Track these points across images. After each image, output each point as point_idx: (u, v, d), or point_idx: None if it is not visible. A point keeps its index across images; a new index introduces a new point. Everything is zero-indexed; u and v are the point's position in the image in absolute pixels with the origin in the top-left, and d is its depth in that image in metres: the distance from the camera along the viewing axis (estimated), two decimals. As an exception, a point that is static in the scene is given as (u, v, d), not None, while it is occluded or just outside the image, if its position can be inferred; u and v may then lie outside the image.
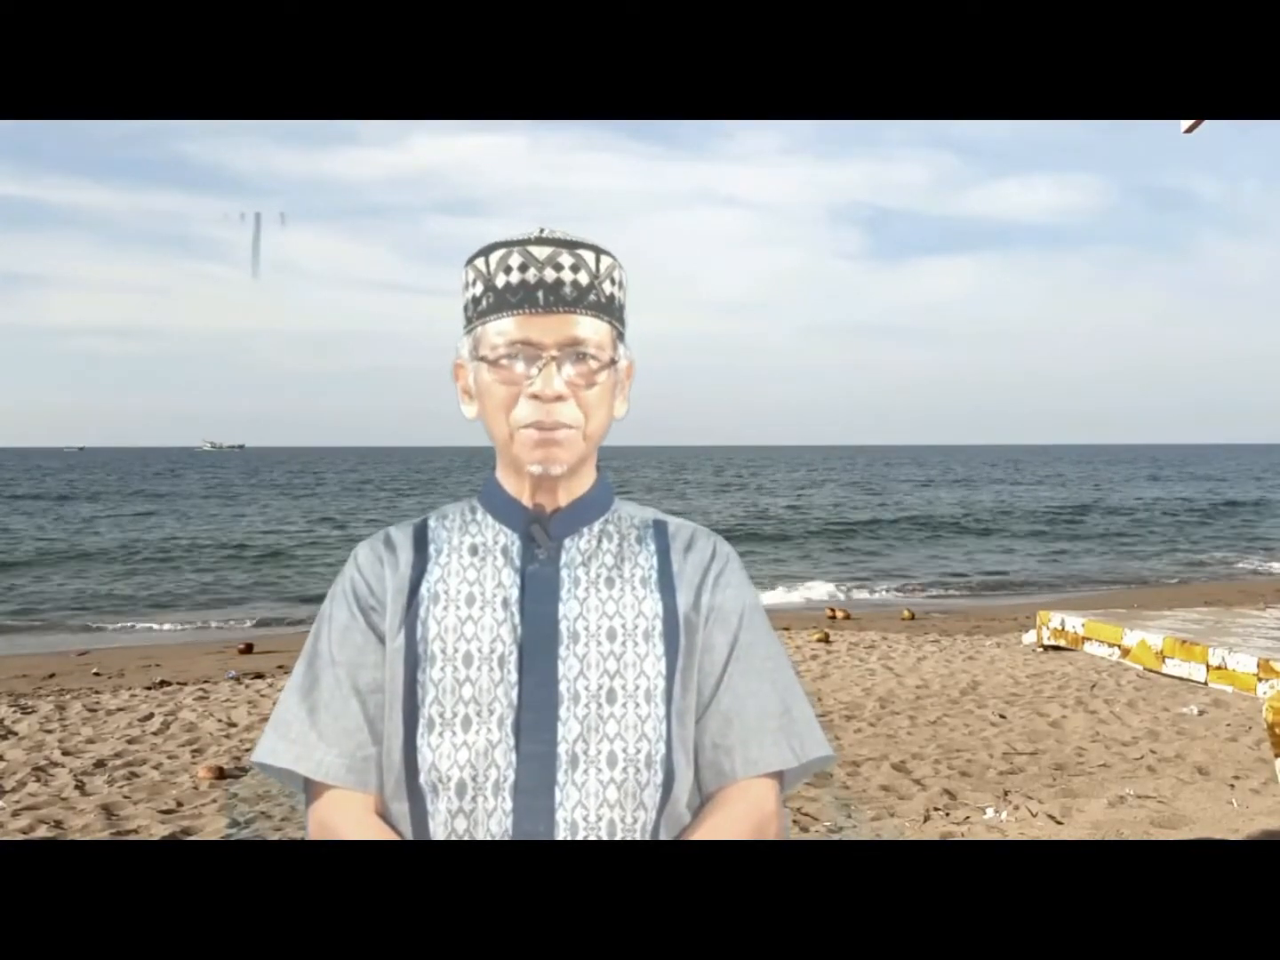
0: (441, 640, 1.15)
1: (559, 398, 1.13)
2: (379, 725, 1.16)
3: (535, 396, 1.13)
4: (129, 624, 12.72)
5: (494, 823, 1.10)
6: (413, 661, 1.15)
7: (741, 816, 1.15)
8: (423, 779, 1.12)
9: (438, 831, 1.11)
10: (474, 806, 1.11)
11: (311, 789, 1.17)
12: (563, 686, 1.13)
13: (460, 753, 1.12)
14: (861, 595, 15.25)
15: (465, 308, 1.19)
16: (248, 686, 7.73)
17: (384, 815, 1.15)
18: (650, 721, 1.14)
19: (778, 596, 14.53)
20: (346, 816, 1.14)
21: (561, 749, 1.11)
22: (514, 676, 1.13)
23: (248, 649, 9.88)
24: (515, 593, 1.17)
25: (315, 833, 1.16)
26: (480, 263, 1.17)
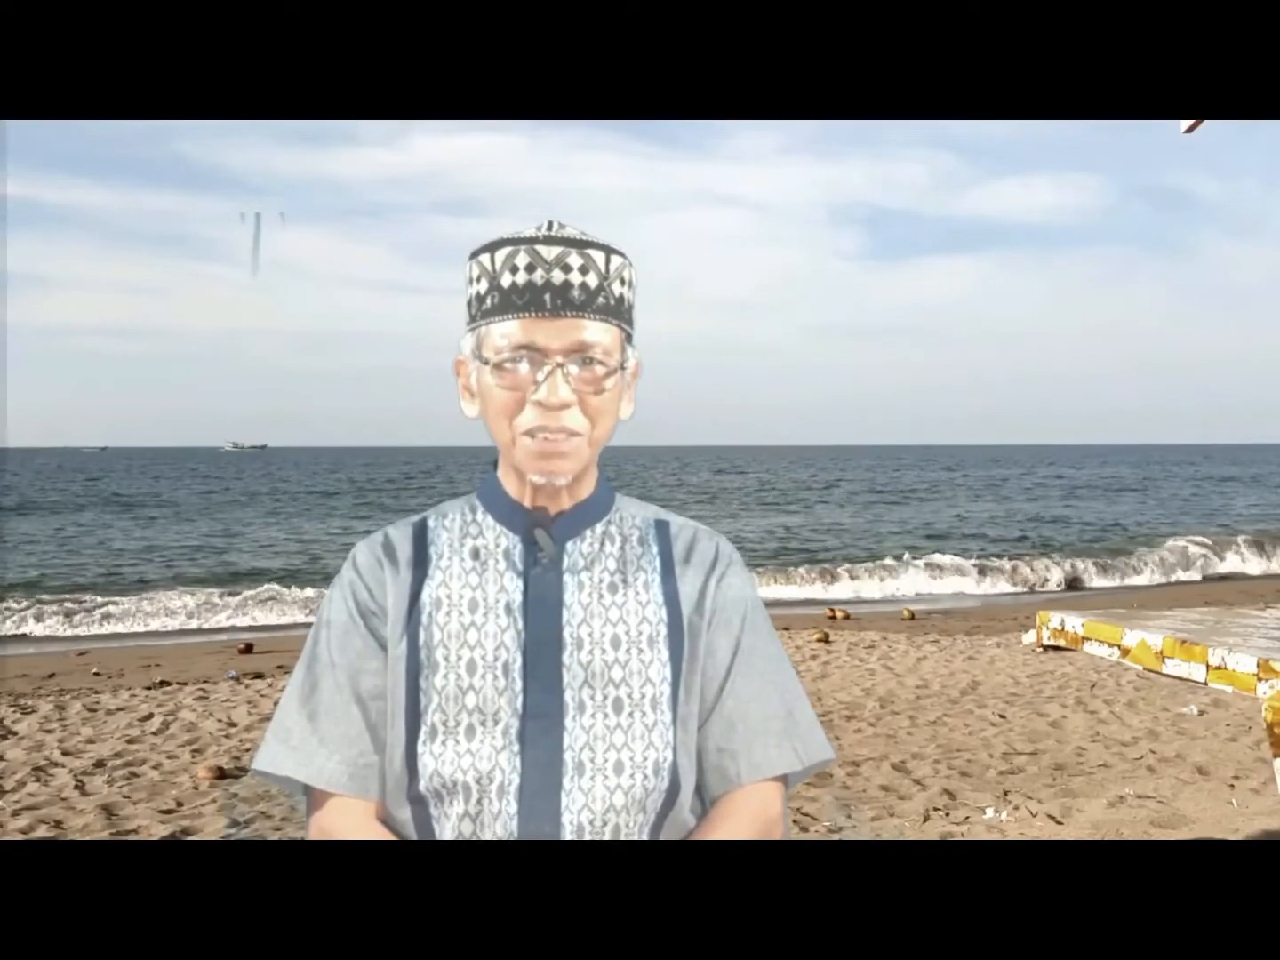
0: (444, 647, 1.13)
1: (565, 406, 1.09)
2: (381, 732, 1.14)
3: (540, 404, 1.09)
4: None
5: (499, 825, 1.09)
6: (414, 668, 1.13)
7: (749, 821, 1.15)
8: (424, 786, 1.11)
9: (442, 837, 1.10)
10: (479, 810, 1.09)
11: (313, 796, 1.15)
12: (568, 695, 1.11)
13: (464, 759, 1.10)
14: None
15: (469, 304, 1.14)
16: (248, 686, 7.72)
17: (386, 822, 1.14)
18: (657, 729, 1.13)
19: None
20: (348, 823, 1.12)
21: (568, 756, 1.10)
22: (519, 684, 1.11)
23: (248, 649, 9.88)
24: (518, 598, 1.14)
25: (316, 839, 1.15)
26: (485, 259, 1.12)
